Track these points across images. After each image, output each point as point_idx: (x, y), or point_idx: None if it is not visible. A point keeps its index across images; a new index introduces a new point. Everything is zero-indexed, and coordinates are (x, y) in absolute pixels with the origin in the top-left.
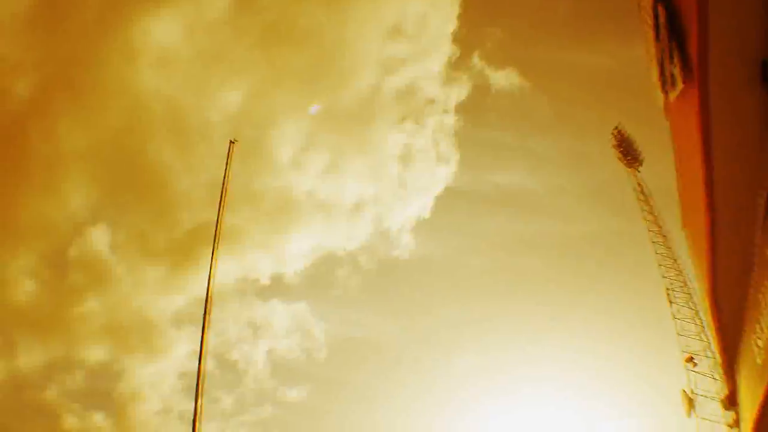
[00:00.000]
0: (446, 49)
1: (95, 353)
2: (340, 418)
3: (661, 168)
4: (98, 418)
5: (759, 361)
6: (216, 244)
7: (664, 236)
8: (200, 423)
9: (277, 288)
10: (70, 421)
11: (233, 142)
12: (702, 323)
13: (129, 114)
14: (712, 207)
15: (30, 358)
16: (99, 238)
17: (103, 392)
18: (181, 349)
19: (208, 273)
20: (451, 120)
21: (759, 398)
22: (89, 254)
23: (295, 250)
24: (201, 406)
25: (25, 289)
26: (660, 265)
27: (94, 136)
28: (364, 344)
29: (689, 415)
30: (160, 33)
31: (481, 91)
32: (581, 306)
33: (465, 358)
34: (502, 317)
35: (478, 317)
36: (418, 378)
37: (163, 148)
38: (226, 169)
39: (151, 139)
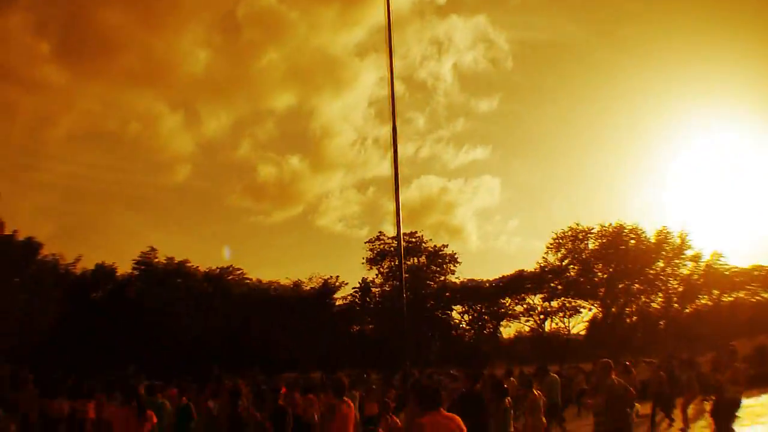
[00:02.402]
0: None
1: (282, 100)
2: (533, 123)
3: None
4: (294, 161)
5: None
6: None
7: None
8: (398, 145)
9: (454, 4)
10: (267, 170)
11: None
12: None
13: None
14: None
15: (218, 122)
16: None
17: (297, 135)
18: (369, 79)
19: None
20: None
21: None
22: (258, 9)
23: None
24: (396, 129)
25: (201, 58)
26: None
27: None
28: (550, 48)
29: None
30: None
31: None
32: None
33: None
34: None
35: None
36: (607, 77)
37: None
38: None
39: None
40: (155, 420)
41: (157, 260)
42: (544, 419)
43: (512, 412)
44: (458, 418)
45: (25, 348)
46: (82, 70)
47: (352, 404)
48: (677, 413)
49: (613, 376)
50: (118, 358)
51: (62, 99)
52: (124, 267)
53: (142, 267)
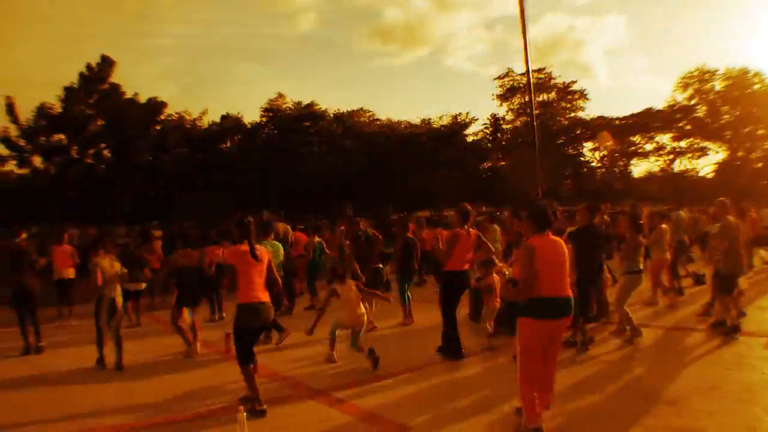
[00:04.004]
0: None
1: None
2: None
3: None
4: (419, 2)
5: None
6: None
7: None
8: None
9: None
10: (393, 13)
11: None
12: None
13: None
14: None
15: None
16: None
17: None
18: None
19: None
20: None
21: None
22: None
23: None
24: None
25: None
26: None
27: None
28: None
29: None
30: None
31: None
32: None
33: None
34: None
35: None
36: None
37: None
38: None
39: None
40: (269, 256)
41: (285, 105)
42: (668, 255)
43: (644, 249)
44: (562, 241)
45: (155, 206)
46: None
47: (473, 232)
48: None
49: (730, 217)
50: (251, 204)
51: None
52: (252, 117)
53: (270, 114)
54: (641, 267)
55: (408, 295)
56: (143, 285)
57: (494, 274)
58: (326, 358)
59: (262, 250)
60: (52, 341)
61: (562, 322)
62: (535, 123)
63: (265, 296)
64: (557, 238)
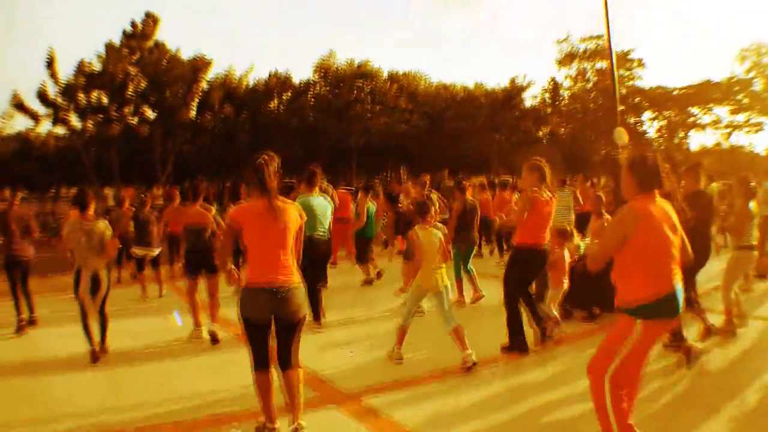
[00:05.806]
0: None
1: None
2: None
3: None
4: None
5: None
6: None
7: None
8: None
9: None
10: None
11: None
12: None
13: None
14: None
15: None
16: None
17: None
18: None
19: None
20: None
21: None
22: None
23: None
24: None
25: None
26: None
27: None
28: None
29: None
30: None
31: None
32: None
33: None
34: None
35: None
36: None
37: None
38: None
39: None
40: (301, 220)
41: (337, 65)
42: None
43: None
44: (671, 207)
45: (199, 165)
46: None
47: (553, 197)
48: None
49: None
50: (299, 165)
51: None
52: (301, 77)
53: (322, 72)
54: (753, 242)
55: (471, 269)
56: (155, 251)
57: (566, 248)
58: (393, 357)
59: (287, 207)
60: (47, 317)
61: (673, 321)
62: (615, 72)
63: (284, 276)
64: (666, 203)
